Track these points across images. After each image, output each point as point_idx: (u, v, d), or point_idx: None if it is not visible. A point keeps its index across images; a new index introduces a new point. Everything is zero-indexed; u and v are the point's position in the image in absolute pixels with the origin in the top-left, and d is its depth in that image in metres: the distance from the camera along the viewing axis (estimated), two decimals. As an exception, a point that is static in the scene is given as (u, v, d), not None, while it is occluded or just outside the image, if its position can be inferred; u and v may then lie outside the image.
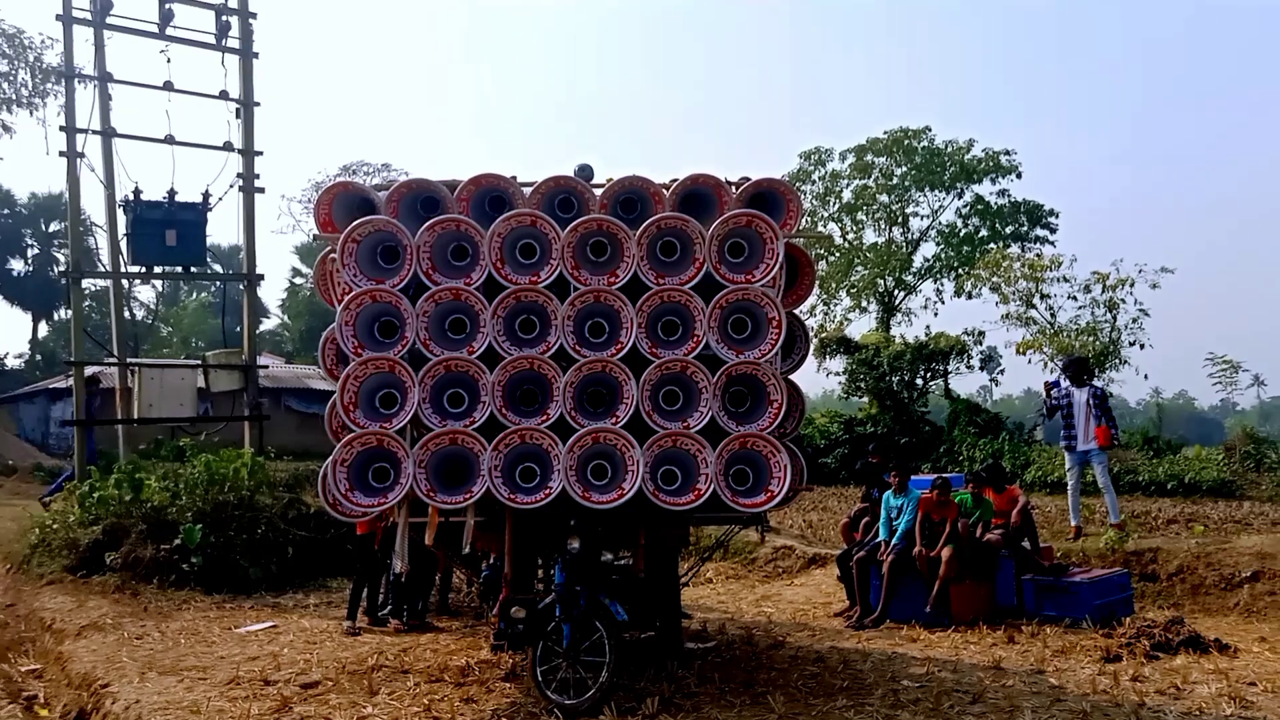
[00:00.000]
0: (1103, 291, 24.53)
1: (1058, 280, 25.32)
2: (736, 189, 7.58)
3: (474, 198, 7.56)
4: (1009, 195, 36.54)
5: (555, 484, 6.88)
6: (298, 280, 54.79)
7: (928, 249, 38.01)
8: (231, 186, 16.94)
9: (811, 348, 8.40)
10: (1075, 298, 25.12)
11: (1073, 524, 12.08)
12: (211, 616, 10.65)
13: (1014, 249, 32.63)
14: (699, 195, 7.62)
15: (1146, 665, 7.88)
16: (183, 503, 12.59)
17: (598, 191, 7.56)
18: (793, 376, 7.89)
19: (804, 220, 37.70)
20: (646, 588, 7.87)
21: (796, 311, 8.09)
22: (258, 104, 17.14)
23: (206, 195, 16.57)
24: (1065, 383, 12.05)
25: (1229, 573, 10.62)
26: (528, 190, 7.52)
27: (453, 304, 7.25)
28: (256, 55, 17.17)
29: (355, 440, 7.03)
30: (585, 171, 8.06)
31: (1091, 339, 24.30)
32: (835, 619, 10.42)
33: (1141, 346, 24.60)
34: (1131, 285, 24.26)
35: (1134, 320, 24.56)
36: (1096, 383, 12.18)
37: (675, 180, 7.54)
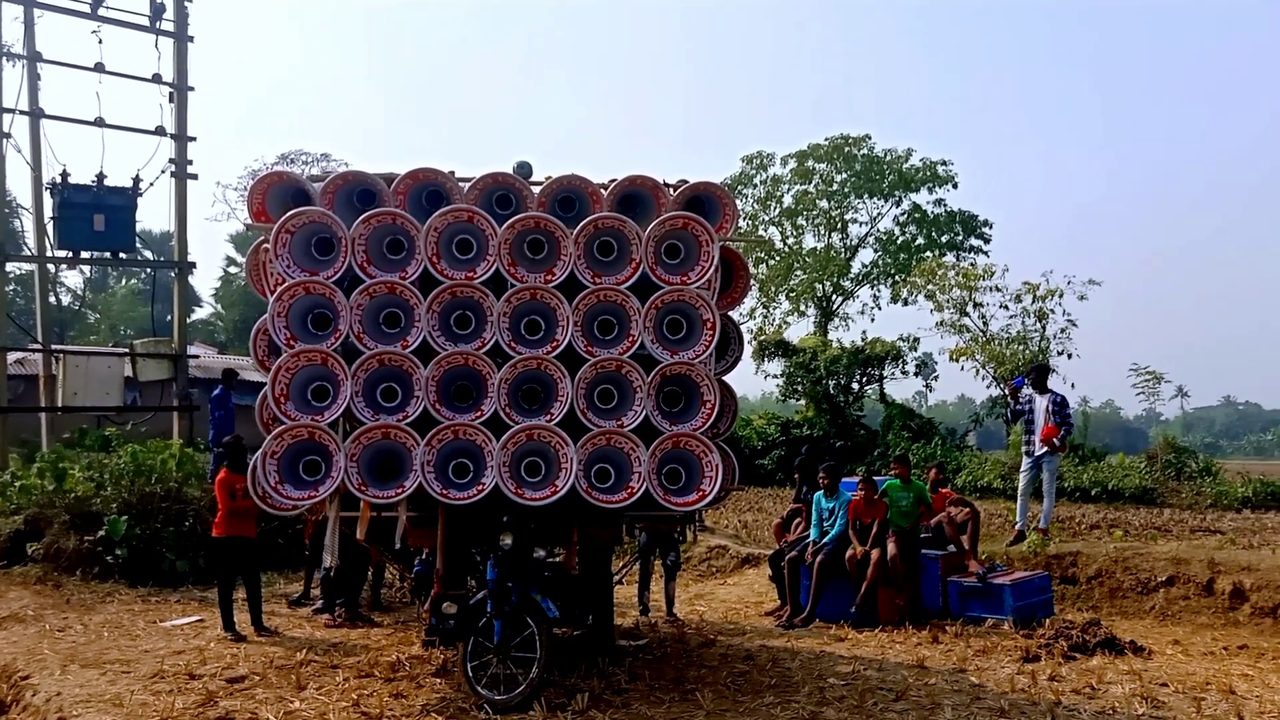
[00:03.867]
0: (1033, 302, 25.14)
1: (990, 289, 25.93)
2: (674, 191, 7.64)
3: (411, 192, 7.52)
4: (945, 205, 37.22)
5: (488, 480, 6.88)
6: (232, 269, 53.86)
7: (866, 255, 38.65)
8: (163, 172, 16.71)
9: (746, 350, 8.46)
10: (1007, 307, 25.76)
11: (1016, 526, 12.31)
12: (136, 609, 10.46)
13: (949, 258, 33.28)
14: (636, 196, 7.67)
15: (1064, 665, 8.09)
16: (108, 494, 12.35)
17: (536, 189, 7.56)
18: (726, 378, 7.97)
19: (744, 224, 37.88)
20: (578, 585, 7.92)
21: (731, 314, 8.17)
22: (192, 88, 16.93)
23: (137, 180, 16.31)
24: (1028, 389, 12.25)
25: (1146, 577, 10.94)
26: (465, 186, 7.50)
27: (387, 298, 7.21)
28: (191, 39, 16.96)
29: (286, 432, 6.96)
30: (524, 169, 8.05)
31: (1022, 348, 24.87)
32: (766, 618, 10.54)
33: (1070, 356, 25.29)
34: (1060, 296, 24.95)
35: (1062, 330, 25.23)
36: (1058, 389, 12.39)
37: (613, 181, 7.58)
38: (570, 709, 6.69)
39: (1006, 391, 13.61)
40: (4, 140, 15.55)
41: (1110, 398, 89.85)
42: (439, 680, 7.61)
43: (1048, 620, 9.61)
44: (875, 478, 10.78)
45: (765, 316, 38.31)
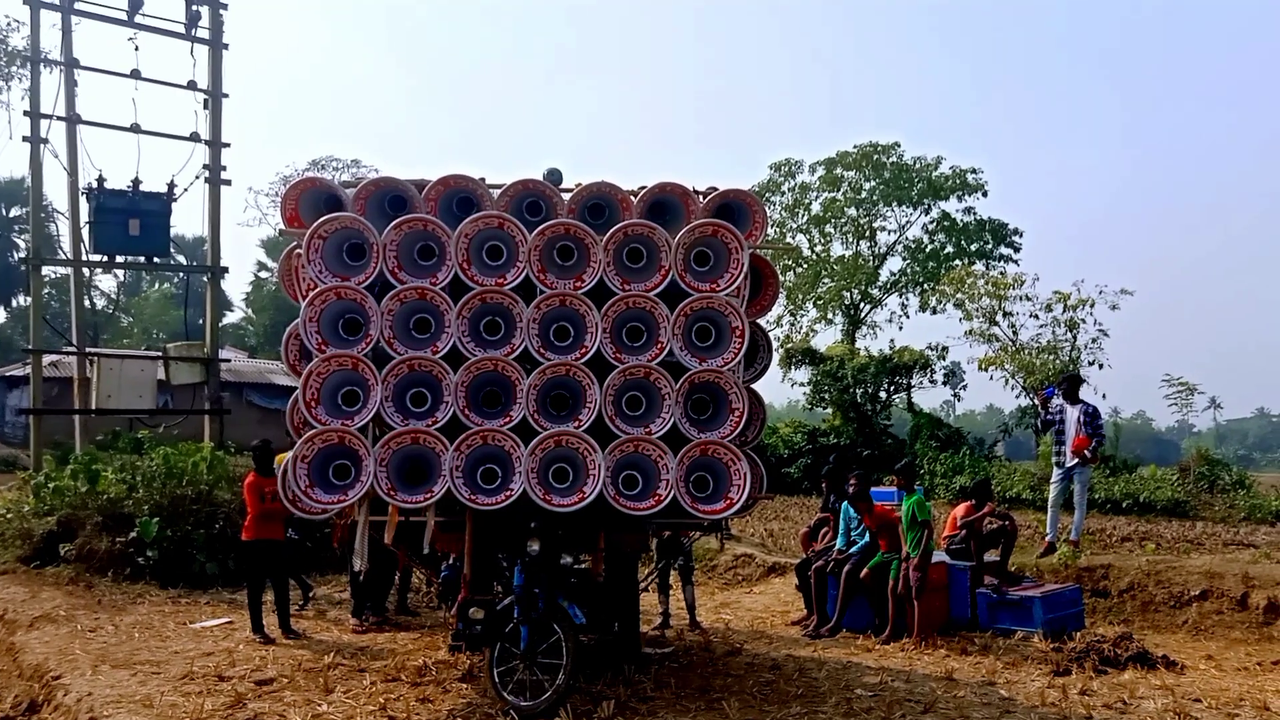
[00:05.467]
0: (1064, 311, 24.90)
1: (1020, 298, 25.69)
2: (704, 198, 7.63)
3: (442, 198, 7.56)
4: (975, 213, 36.96)
5: (516, 486, 6.90)
6: (263, 274, 54.39)
7: (894, 263, 38.41)
8: (197, 178, 16.89)
9: (774, 358, 8.40)
10: (1037, 316, 25.51)
11: (1047, 538, 12.18)
12: (166, 611, 10.55)
13: (978, 266, 33.05)
14: (666, 204, 7.67)
15: (1095, 679, 7.99)
16: (140, 496, 12.47)
17: (566, 196, 7.58)
18: (755, 386, 7.95)
19: (772, 231, 37.73)
20: (605, 591, 7.91)
21: (760, 321, 8.15)
22: (226, 95, 17.09)
23: (172, 185, 16.49)
24: (1059, 399, 12.15)
25: (1179, 591, 10.79)
26: (496, 192, 7.53)
27: (418, 303, 7.24)
28: (226, 46, 17.12)
29: (316, 437, 7.01)
30: (554, 176, 8.08)
31: (1052, 357, 24.64)
32: (792, 627, 10.48)
33: (1100, 366, 25.02)
34: (1092, 306, 24.68)
35: (1093, 340, 24.97)
36: (1089, 400, 12.27)
37: (643, 188, 7.58)
38: (596, 716, 6.69)
39: (1037, 401, 13.45)
40: (41, 146, 15.75)
41: (1142, 409, 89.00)
42: (465, 685, 7.63)
43: (1078, 634, 9.50)
44: (876, 489, 10.57)
45: (792, 324, 38.19)
